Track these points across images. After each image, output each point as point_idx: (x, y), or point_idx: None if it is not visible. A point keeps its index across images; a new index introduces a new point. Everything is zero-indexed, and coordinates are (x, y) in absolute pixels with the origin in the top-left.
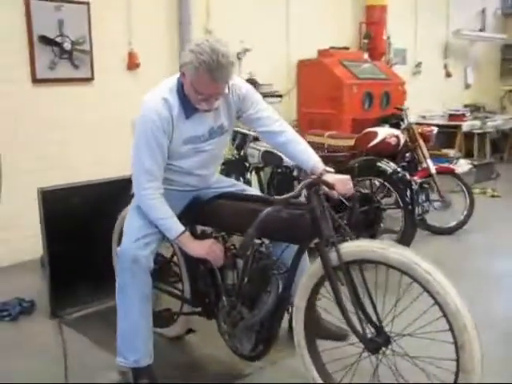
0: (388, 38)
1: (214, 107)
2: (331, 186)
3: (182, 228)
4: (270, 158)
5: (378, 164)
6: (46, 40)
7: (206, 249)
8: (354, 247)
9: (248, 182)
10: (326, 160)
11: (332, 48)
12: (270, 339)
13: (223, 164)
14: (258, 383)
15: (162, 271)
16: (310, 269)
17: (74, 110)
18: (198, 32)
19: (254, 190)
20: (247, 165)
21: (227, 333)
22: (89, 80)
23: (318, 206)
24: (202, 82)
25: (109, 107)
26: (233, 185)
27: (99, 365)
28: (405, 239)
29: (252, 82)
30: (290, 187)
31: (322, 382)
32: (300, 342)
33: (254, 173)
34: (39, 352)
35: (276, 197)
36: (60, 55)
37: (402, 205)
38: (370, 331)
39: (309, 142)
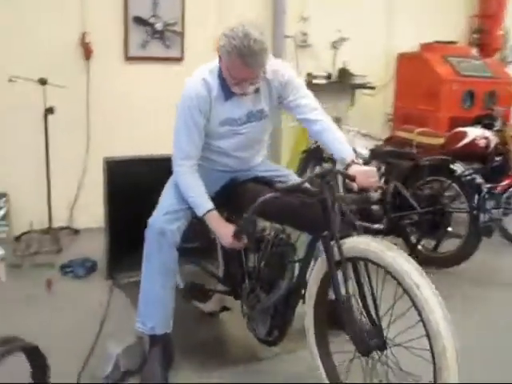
0: (506, 33)
1: (249, 92)
2: (352, 178)
3: (210, 206)
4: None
5: (449, 164)
6: (139, 20)
7: (228, 234)
8: (357, 243)
9: None
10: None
11: (437, 42)
12: (284, 326)
13: (303, 152)
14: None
15: (205, 249)
16: (318, 261)
17: (163, 87)
18: (293, 20)
19: (296, 178)
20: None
21: (247, 314)
22: (179, 59)
23: (329, 197)
24: (235, 66)
25: None
26: (274, 170)
27: (130, 327)
28: (467, 246)
29: (344, 72)
30: None
31: (324, 372)
32: (309, 331)
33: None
34: (84, 306)
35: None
36: (152, 35)
37: (468, 209)
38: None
39: (398, 138)
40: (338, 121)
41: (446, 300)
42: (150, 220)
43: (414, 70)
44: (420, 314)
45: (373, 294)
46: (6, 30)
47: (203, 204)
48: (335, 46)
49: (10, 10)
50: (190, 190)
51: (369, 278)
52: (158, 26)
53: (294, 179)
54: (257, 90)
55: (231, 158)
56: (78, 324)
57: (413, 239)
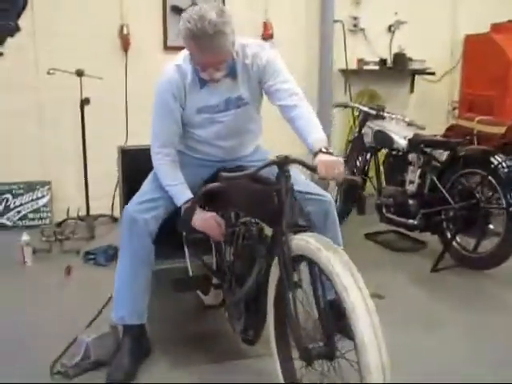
0: None
1: (216, 77)
2: (312, 168)
3: (188, 196)
4: (380, 138)
5: (489, 156)
6: (177, 10)
7: (203, 222)
8: (299, 240)
9: (366, 163)
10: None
11: (510, 21)
12: (258, 325)
13: (348, 142)
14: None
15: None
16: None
17: None
18: (344, 4)
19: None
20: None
21: (226, 309)
22: None
23: (284, 187)
24: (192, 51)
25: None
26: (263, 159)
27: None
28: (504, 245)
29: (400, 57)
30: (402, 173)
31: (281, 374)
32: (270, 332)
33: (370, 154)
34: (99, 293)
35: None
36: None
37: (504, 206)
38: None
39: (459, 128)
40: (381, 108)
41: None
42: (126, 207)
43: (483, 53)
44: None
45: (324, 297)
46: (47, 23)
47: (180, 194)
48: (391, 29)
49: (49, 2)
50: (167, 178)
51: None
52: None
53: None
54: (233, 76)
55: (213, 147)
56: (88, 310)
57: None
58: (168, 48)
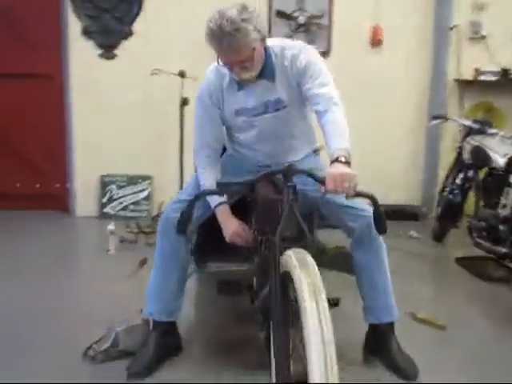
0: None
1: (243, 77)
2: (319, 180)
3: (221, 200)
4: (477, 154)
5: None
6: (282, 14)
7: (229, 229)
8: (288, 256)
9: (466, 181)
10: None
11: None
12: None
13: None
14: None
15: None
16: None
17: None
18: (465, 8)
19: None
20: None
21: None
22: (325, 53)
23: (286, 198)
24: (215, 49)
25: (345, 81)
26: (316, 168)
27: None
28: None
29: None
30: (498, 194)
31: None
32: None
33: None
34: None
35: None
36: (296, 29)
37: None
38: None
39: None
40: (486, 123)
41: None
42: (166, 206)
43: None
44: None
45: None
46: (157, 28)
47: (214, 197)
48: None
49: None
50: (203, 180)
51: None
52: (302, 19)
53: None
54: (271, 78)
55: (255, 151)
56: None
57: None
58: None
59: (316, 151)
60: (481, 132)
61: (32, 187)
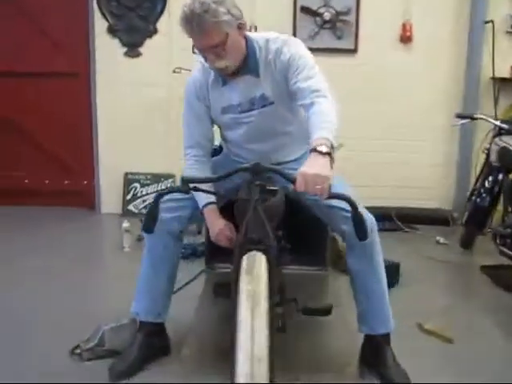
0: None
1: (218, 65)
2: (289, 178)
3: (209, 200)
4: (503, 156)
5: None
6: (307, 10)
7: (215, 229)
8: (244, 260)
9: (495, 185)
10: None
11: None
12: None
13: None
14: None
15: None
16: None
17: (334, 80)
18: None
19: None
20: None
21: None
22: (351, 51)
23: (252, 199)
24: (187, 34)
25: (373, 79)
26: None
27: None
28: None
29: None
30: None
31: None
32: None
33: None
34: None
35: None
36: (321, 25)
37: None
38: None
39: None
40: None
41: None
42: None
43: None
44: None
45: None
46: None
47: (201, 197)
48: None
49: None
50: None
51: None
52: (327, 15)
53: None
54: (255, 73)
55: (245, 150)
56: None
57: None
58: None
59: None
60: (510, 133)
61: (60, 184)
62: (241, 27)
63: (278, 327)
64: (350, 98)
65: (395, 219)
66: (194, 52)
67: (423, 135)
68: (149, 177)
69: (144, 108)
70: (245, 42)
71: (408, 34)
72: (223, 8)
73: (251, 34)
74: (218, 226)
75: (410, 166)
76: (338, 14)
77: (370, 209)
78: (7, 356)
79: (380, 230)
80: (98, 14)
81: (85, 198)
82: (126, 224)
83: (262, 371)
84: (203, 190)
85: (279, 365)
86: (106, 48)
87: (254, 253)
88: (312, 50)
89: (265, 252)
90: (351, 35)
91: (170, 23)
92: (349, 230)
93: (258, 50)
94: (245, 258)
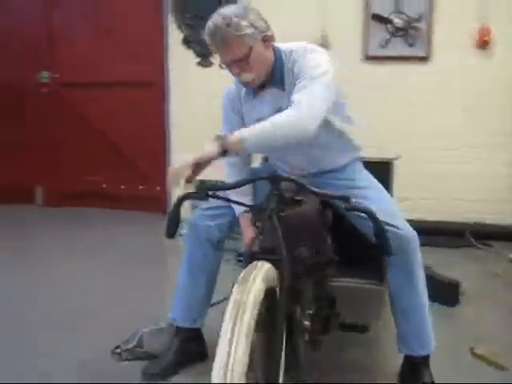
0: None
1: (243, 79)
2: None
3: (244, 208)
4: None
5: None
6: (378, 18)
7: (246, 237)
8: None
9: None
10: None
11: None
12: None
13: None
14: None
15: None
16: None
17: (406, 89)
18: None
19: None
20: None
21: None
22: (424, 59)
23: (269, 208)
24: (212, 48)
25: (445, 87)
26: (349, 179)
27: None
28: None
29: None
30: None
31: None
32: None
33: None
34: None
35: None
36: (393, 33)
37: None
38: None
39: None
40: None
41: None
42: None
43: None
44: None
45: None
46: None
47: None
48: None
49: None
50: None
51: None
52: (399, 22)
53: (365, 195)
54: (281, 84)
55: (283, 162)
56: None
57: None
58: (368, 58)
59: (356, 161)
60: None
61: (135, 189)
62: (266, 40)
63: (306, 341)
64: (422, 107)
65: (468, 235)
66: (221, 67)
67: (499, 145)
68: (219, 184)
69: (215, 117)
70: (273, 53)
71: (485, 38)
72: (246, 22)
73: (282, 45)
74: (248, 235)
75: (486, 177)
76: (409, 20)
77: (437, 223)
78: (59, 344)
79: (451, 247)
80: (173, 26)
81: (158, 203)
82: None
83: (235, 382)
84: (220, 198)
85: None
86: (180, 58)
87: (257, 262)
88: (383, 58)
89: (274, 262)
90: (423, 42)
91: None
92: None
93: (286, 61)
94: (250, 267)
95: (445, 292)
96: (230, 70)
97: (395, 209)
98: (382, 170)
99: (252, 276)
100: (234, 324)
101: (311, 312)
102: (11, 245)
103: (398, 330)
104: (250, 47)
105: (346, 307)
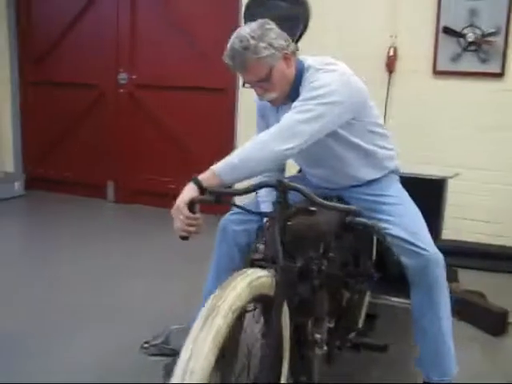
0: None
1: (265, 98)
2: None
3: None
4: None
5: None
6: (450, 31)
7: None
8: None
9: None
10: None
11: None
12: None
13: None
14: None
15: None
16: None
17: (476, 106)
18: None
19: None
20: None
21: None
22: (498, 75)
23: (276, 217)
24: (233, 71)
25: None
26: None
27: None
28: None
29: None
30: None
31: None
32: None
33: None
34: None
35: None
36: (465, 47)
37: None
38: None
39: None
40: None
41: None
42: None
43: None
44: None
45: None
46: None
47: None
48: None
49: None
50: (260, 193)
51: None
52: (471, 36)
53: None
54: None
55: (310, 175)
56: None
57: None
58: (437, 73)
59: (387, 176)
60: None
61: None
62: (287, 57)
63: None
64: (493, 126)
65: None
66: (243, 86)
67: None
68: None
69: None
70: (295, 68)
71: None
72: (264, 43)
73: (306, 58)
74: None
75: None
76: (483, 34)
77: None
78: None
79: None
80: None
81: (223, 206)
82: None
83: (193, 382)
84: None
85: None
86: None
87: (247, 270)
88: (454, 73)
89: (271, 270)
90: (498, 57)
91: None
92: (408, 263)
93: (304, 76)
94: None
95: (492, 320)
96: (255, 90)
97: (421, 228)
98: (435, 188)
99: (234, 283)
100: (202, 327)
101: (329, 325)
102: (79, 232)
103: (417, 352)
104: (270, 68)
105: (387, 325)
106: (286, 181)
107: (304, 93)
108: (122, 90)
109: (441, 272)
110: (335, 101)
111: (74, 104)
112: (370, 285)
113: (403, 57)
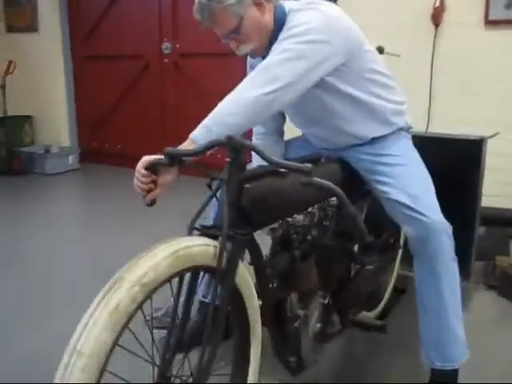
0: None
1: (241, 51)
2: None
3: None
4: None
5: None
6: None
7: None
8: None
9: None
10: None
11: None
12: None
13: None
14: None
15: None
16: None
17: None
18: None
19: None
20: None
21: None
22: None
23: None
24: (204, 26)
25: None
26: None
27: None
28: None
29: None
30: None
31: None
32: None
33: None
34: None
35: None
36: None
37: None
38: None
39: None
40: None
41: None
42: None
43: None
44: None
45: None
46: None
47: None
48: None
49: None
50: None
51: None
52: None
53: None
54: None
55: (308, 134)
56: None
57: None
58: (489, 22)
59: (394, 134)
60: None
61: None
62: (259, 3)
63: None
64: None
65: None
66: (221, 41)
67: None
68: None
69: None
70: (274, 15)
71: None
72: None
73: (288, 4)
74: None
75: None
76: None
77: None
78: None
79: None
80: None
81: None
82: None
83: (79, 366)
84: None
85: None
86: None
87: (169, 239)
88: (504, 22)
89: (214, 238)
90: None
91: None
92: (408, 231)
93: (286, 22)
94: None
95: None
96: (230, 45)
97: (424, 191)
98: (470, 149)
99: (154, 251)
100: (101, 300)
101: (322, 301)
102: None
103: (419, 334)
104: (239, 17)
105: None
106: (237, 137)
107: (281, 36)
108: (166, 60)
109: (445, 242)
110: (316, 39)
111: (121, 76)
112: (385, 256)
113: (451, 7)
